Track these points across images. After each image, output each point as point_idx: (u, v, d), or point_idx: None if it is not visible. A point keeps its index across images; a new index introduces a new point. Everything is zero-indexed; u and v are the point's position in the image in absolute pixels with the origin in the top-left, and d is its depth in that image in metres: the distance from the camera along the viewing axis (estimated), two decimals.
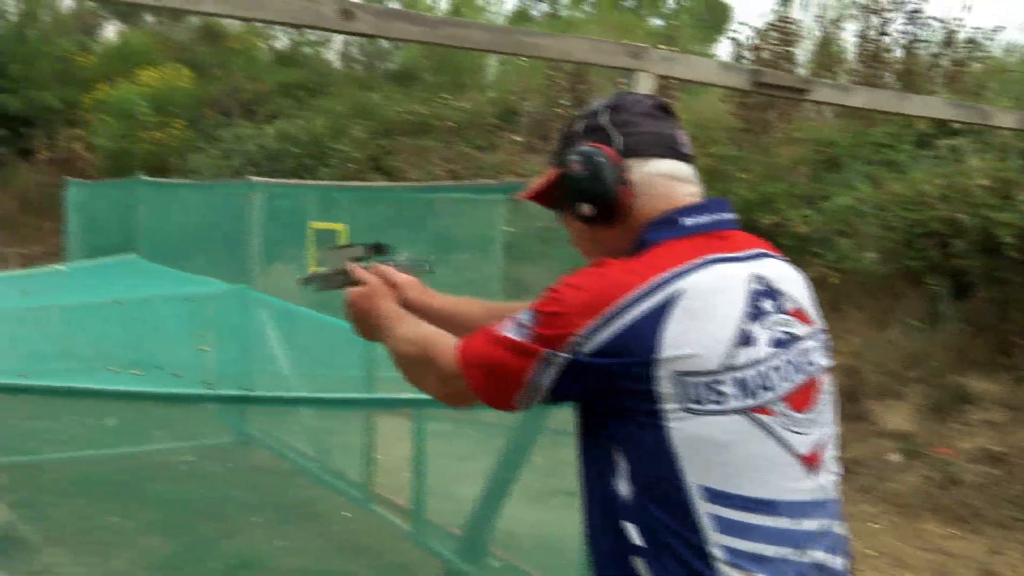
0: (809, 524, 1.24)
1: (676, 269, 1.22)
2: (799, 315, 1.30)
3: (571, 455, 1.38)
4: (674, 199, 1.33)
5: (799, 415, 1.25)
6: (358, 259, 1.67)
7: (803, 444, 1.25)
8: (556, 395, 1.26)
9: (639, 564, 1.22)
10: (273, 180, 6.51)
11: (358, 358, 4.29)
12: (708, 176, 5.45)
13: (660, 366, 1.18)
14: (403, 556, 4.29)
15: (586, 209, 1.33)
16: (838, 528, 1.31)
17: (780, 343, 1.25)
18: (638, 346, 1.18)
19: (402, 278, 1.63)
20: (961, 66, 8.09)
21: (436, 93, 13.72)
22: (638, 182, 1.33)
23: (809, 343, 1.29)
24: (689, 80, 3.19)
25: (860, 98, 3.61)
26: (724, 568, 1.19)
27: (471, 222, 8.94)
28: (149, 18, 21.27)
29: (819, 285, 6.24)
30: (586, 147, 1.34)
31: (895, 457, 5.38)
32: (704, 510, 1.19)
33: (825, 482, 1.29)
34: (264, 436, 5.44)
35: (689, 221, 1.30)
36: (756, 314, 1.24)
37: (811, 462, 1.26)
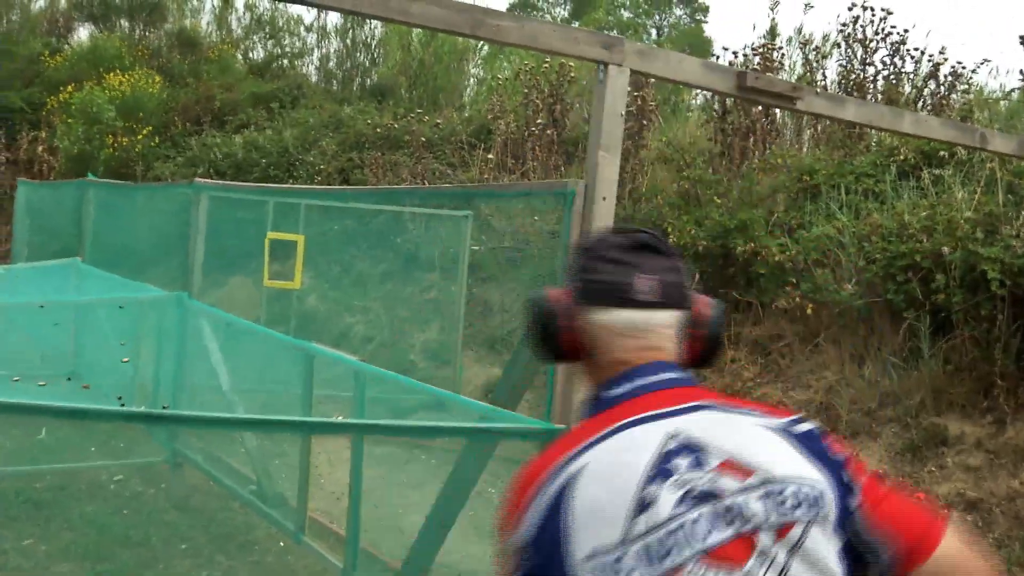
0: None
1: (584, 443, 1.18)
2: (730, 467, 1.16)
3: None
4: (613, 354, 1.29)
5: (726, 570, 1.11)
6: None
7: None
8: None
9: None
10: (222, 183, 6.16)
11: (298, 375, 3.96)
12: (683, 199, 5.18)
13: (573, 556, 1.11)
14: None
15: (540, 354, 1.39)
16: None
17: (693, 498, 1.14)
18: (551, 537, 1.13)
19: None
20: (945, 99, 7.93)
21: (411, 109, 13.51)
22: (587, 330, 1.31)
23: (743, 497, 1.14)
24: (668, 79, 2.92)
25: (851, 111, 3.35)
26: None
27: (438, 239, 8.66)
28: (124, 22, 20.92)
29: (794, 317, 5.99)
30: (540, 293, 1.38)
31: None
32: None
33: None
34: (198, 456, 5.06)
35: (611, 393, 1.27)
36: (662, 474, 1.15)
37: None
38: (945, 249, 5.20)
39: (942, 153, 6.46)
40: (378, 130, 12.46)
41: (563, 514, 1.13)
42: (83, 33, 20.80)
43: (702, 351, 1.37)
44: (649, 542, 1.11)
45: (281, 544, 4.56)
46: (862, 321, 5.74)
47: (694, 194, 7.35)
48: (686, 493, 1.14)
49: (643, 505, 1.12)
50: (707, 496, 1.14)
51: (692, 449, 1.17)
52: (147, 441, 5.21)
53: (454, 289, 7.84)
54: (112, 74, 16.84)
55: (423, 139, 11.67)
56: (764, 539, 1.14)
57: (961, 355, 5.23)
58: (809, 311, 5.93)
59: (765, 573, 1.12)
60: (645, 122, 9.02)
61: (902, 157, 6.59)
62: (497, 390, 3.08)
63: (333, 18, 20.78)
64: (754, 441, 1.20)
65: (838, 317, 5.85)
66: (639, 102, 8.76)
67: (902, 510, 1.25)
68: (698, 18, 31.69)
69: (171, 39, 20.51)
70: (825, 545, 1.16)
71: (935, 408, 5.24)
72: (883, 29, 8.51)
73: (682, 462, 1.16)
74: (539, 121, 10.18)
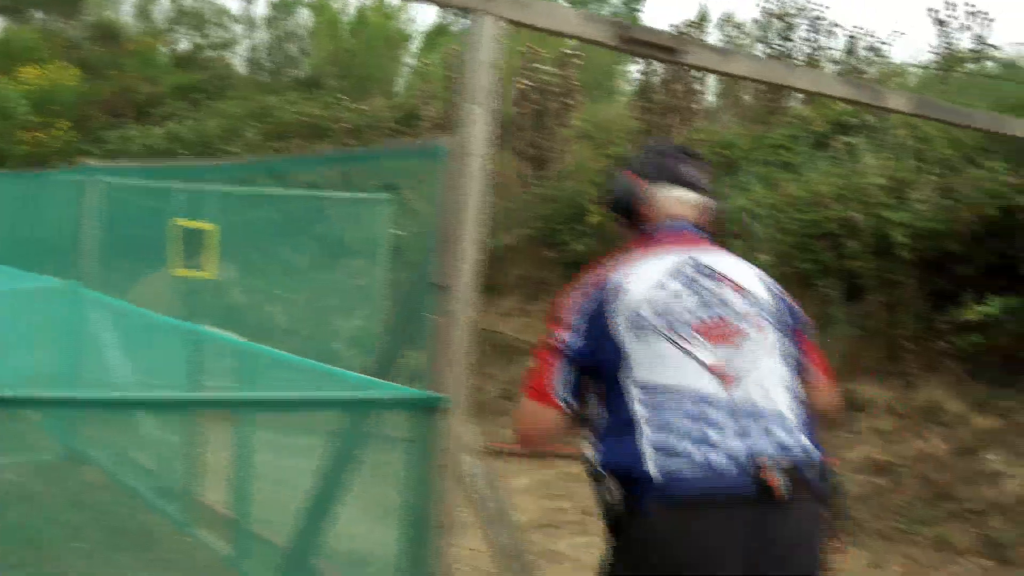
0: (717, 412, 1.70)
1: (642, 256, 1.89)
2: (728, 280, 1.85)
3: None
4: (664, 211, 1.98)
5: (704, 339, 1.77)
6: None
7: (708, 356, 1.75)
8: (574, 365, 1.82)
9: (599, 446, 1.74)
10: (116, 164, 5.91)
11: (186, 357, 3.78)
12: (606, 177, 5.15)
13: (617, 313, 1.78)
14: None
15: (617, 216, 2.08)
16: (784, 431, 1.73)
17: (695, 292, 1.82)
18: (599, 301, 1.81)
19: None
20: (861, 73, 7.99)
21: (338, 98, 13.29)
22: (651, 199, 1.99)
23: (736, 301, 1.83)
24: (544, 29, 2.80)
25: (741, 65, 3.26)
26: (646, 431, 1.68)
27: (358, 226, 8.48)
28: (39, 15, 20.25)
29: None
30: (624, 176, 2.07)
31: None
32: (633, 394, 1.72)
33: (753, 394, 1.74)
34: (96, 452, 4.84)
35: (665, 224, 1.96)
36: (679, 274, 1.83)
37: (716, 371, 1.74)
38: (856, 215, 5.21)
39: (853, 121, 6.48)
40: (303, 119, 12.21)
41: (614, 286, 1.81)
42: None
43: (713, 225, 2.04)
44: (658, 308, 1.78)
45: (180, 537, 4.37)
46: None
47: (614, 172, 7.29)
48: (692, 289, 1.82)
49: (660, 286, 1.82)
50: (708, 295, 1.82)
51: (698, 267, 1.85)
52: (34, 437, 4.98)
53: (377, 275, 7.66)
54: (26, 67, 16.28)
55: (348, 126, 11.47)
56: (746, 329, 1.80)
57: (871, 321, 5.24)
58: None
59: (749, 349, 1.78)
60: (570, 101, 8.94)
61: (816, 127, 6.60)
62: (376, 361, 2.96)
63: (261, 9, 20.39)
64: (742, 272, 1.91)
65: None
66: (562, 80, 8.70)
67: (817, 352, 2.03)
68: (633, 7, 31.76)
69: (90, 31, 19.90)
70: (781, 341, 1.84)
71: (847, 374, 5.23)
72: (803, 5, 8.59)
73: (691, 271, 1.84)
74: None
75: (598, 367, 1.78)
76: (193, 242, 7.18)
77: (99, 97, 16.68)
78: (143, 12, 20.93)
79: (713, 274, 1.85)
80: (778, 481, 1.64)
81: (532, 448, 1.99)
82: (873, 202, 5.22)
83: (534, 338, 7.21)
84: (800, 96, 7.67)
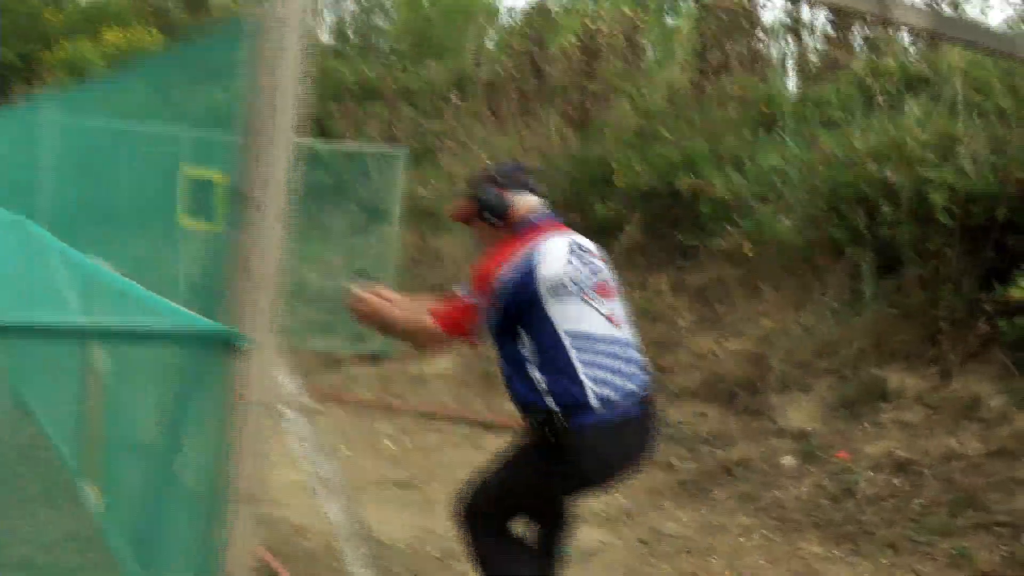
0: (618, 348, 2.50)
1: (536, 240, 2.53)
2: (593, 255, 2.63)
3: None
4: (525, 210, 2.64)
5: (602, 298, 2.54)
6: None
7: (606, 309, 2.54)
8: (492, 319, 2.49)
9: (539, 380, 2.47)
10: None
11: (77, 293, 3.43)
12: (639, 137, 5.00)
13: (540, 284, 2.45)
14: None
15: (491, 219, 2.65)
16: (643, 360, 2.60)
17: (586, 264, 2.56)
18: (527, 279, 2.45)
19: (388, 293, 2.66)
20: None
21: (399, 60, 13.00)
22: (512, 204, 2.64)
23: (601, 269, 2.62)
24: None
25: None
26: (580, 368, 2.43)
27: (371, 180, 8.11)
28: None
29: (735, 259, 5.30)
30: (488, 188, 2.67)
31: (788, 461, 4.43)
32: (567, 342, 2.45)
33: (624, 331, 2.57)
34: (29, 399, 4.57)
35: (533, 218, 2.63)
36: (574, 255, 2.55)
37: (611, 319, 2.54)
38: (890, 174, 4.49)
39: (915, 78, 5.69)
40: (358, 81, 11.94)
41: (537, 262, 2.45)
42: None
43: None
44: (574, 277, 2.48)
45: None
46: (805, 262, 5.04)
47: (651, 131, 6.68)
48: (583, 262, 2.54)
49: (570, 263, 2.50)
50: (590, 265, 2.56)
51: (580, 246, 2.60)
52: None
53: (388, 232, 7.27)
54: (109, 30, 16.54)
55: (397, 89, 11.14)
56: (611, 286, 2.61)
57: (907, 298, 4.53)
58: (748, 252, 5.25)
59: (616, 299, 2.59)
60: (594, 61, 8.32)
61: (870, 85, 5.82)
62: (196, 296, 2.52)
63: None
64: (594, 246, 2.67)
65: (779, 257, 5.16)
66: (591, 37, 8.12)
67: None
68: None
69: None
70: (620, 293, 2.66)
71: (876, 359, 4.55)
72: None
73: (577, 250, 2.57)
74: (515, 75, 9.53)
75: (519, 321, 2.48)
76: (200, 192, 6.92)
77: None
78: None
79: (585, 250, 2.62)
80: (654, 400, 2.61)
81: (428, 351, 3.26)
82: (914, 160, 4.49)
83: None
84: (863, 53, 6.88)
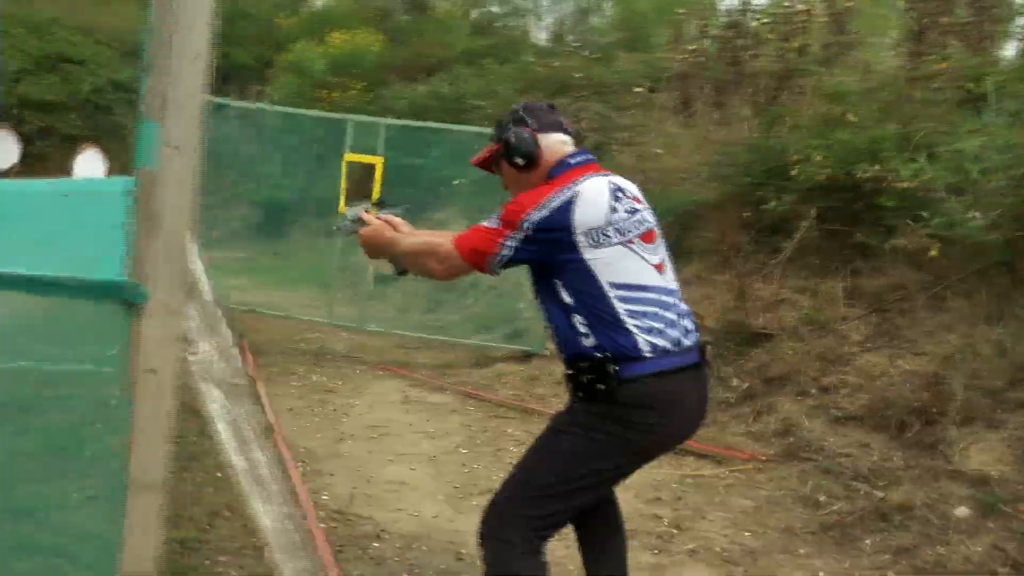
0: (667, 297, 2.32)
1: (573, 181, 2.32)
2: (636, 200, 2.40)
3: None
4: (561, 153, 2.45)
5: (647, 245, 2.33)
6: (367, 210, 2.71)
7: (653, 258, 2.34)
8: (515, 258, 2.32)
9: (585, 333, 2.26)
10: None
11: None
12: (824, 122, 4.74)
13: (575, 230, 2.24)
14: None
15: (521, 162, 2.43)
16: (684, 304, 2.41)
17: (629, 211, 2.33)
18: (560, 222, 2.24)
19: (397, 220, 2.59)
20: None
21: (602, 55, 12.65)
22: (544, 146, 2.44)
23: (644, 213, 2.38)
24: None
25: None
26: (627, 319, 2.24)
27: None
28: None
29: (919, 261, 4.44)
30: (517, 129, 2.44)
31: (962, 511, 3.57)
32: (612, 294, 2.24)
33: (670, 280, 2.39)
34: None
35: (572, 160, 2.42)
36: (616, 199, 2.33)
37: (659, 268, 2.35)
38: None
39: None
40: (553, 74, 11.68)
41: (574, 206, 2.26)
42: None
43: None
44: (618, 226, 2.29)
45: None
46: (1002, 266, 4.11)
47: (836, 116, 5.85)
48: (626, 208, 2.33)
49: (612, 209, 2.30)
50: (634, 211, 2.36)
51: (622, 190, 2.38)
52: None
53: None
54: (335, 33, 17.35)
55: (589, 83, 10.77)
56: (656, 233, 2.41)
57: None
58: (935, 254, 4.37)
59: (661, 247, 2.40)
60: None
61: None
62: None
63: None
64: (637, 190, 2.46)
65: (971, 261, 4.25)
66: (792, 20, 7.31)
67: None
68: None
69: (402, 1, 20.93)
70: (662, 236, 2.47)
71: None
72: None
73: (620, 194, 2.35)
74: (700, 57, 8.85)
75: (553, 269, 2.30)
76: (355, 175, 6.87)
77: (395, 62, 17.40)
78: None
79: (628, 193, 2.39)
80: (708, 351, 2.41)
81: (442, 280, 2.52)
82: None
83: (712, 313, 6.02)
84: None
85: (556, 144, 2.45)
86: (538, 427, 5.61)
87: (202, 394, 1.77)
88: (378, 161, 6.83)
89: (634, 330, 2.22)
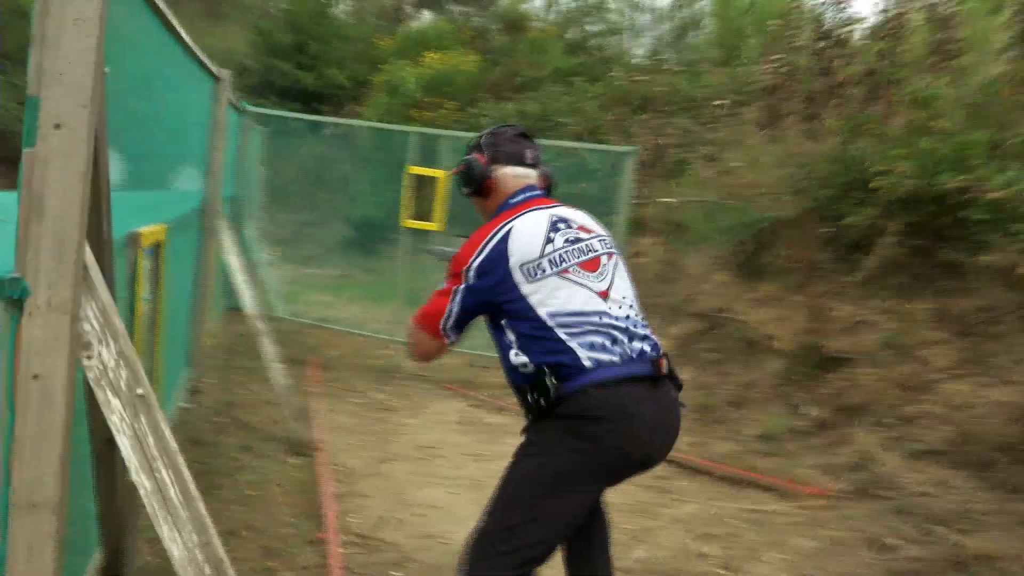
0: (611, 320, 2.28)
1: (509, 219, 2.36)
2: (583, 229, 2.41)
3: None
4: (514, 186, 2.51)
5: (588, 273, 2.33)
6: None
7: (597, 285, 2.32)
8: (463, 313, 2.34)
9: (527, 361, 2.25)
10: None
11: None
12: (908, 130, 3.78)
13: (511, 266, 2.27)
14: None
15: (466, 190, 2.57)
16: (647, 331, 2.36)
17: (569, 241, 2.35)
18: (496, 261, 2.28)
19: None
20: None
21: (695, 68, 12.30)
22: (498, 177, 2.52)
23: (591, 242, 2.39)
24: None
25: None
26: (568, 341, 2.21)
27: (599, 176, 7.43)
28: (457, 8, 21.83)
29: (1007, 281, 3.97)
30: (471, 156, 2.55)
31: None
32: (551, 323, 2.23)
33: (622, 307, 2.34)
34: None
35: (512, 200, 2.48)
36: (554, 229, 2.36)
37: (603, 295, 2.32)
38: None
39: None
40: (638, 89, 11.39)
41: (507, 244, 2.29)
42: (425, 16, 21.99)
43: (548, 187, 2.61)
44: (551, 257, 2.30)
45: None
46: None
47: (921, 124, 5.39)
48: (566, 239, 2.34)
49: (549, 240, 2.32)
50: (576, 240, 2.36)
51: (564, 220, 2.40)
52: None
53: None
54: (429, 53, 17.48)
55: (675, 98, 10.43)
56: (603, 260, 2.39)
57: None
58: None
59: (609, 273, 2.37)
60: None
61: None
62: None
63: None
64: (582, 217, 2.47)
65: None
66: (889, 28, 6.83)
67: None
68: None
69: (498, 21, 21.02)
70: (619, 260, 2.46)
71: None
72: None
73: (561, 225, 2.37)
74: (779, 66, 8.41)
75: (499, 308, 2.31)
76: (422, 187, 6.74)
77: (488, 80, 17.40)
78: (549, 3, 21.62)
79: (570, 223, 2.41)
80: (663, 364, 2.30)
81: (421, 362, 2.54)
82: None
83: (785, 335, 5.60)
84: None
85: (509, 178, 2.52)
86: None
87: (101, 405, 1.58)
88: (441, 175, 6.68)
89: (576, 348, 2.20)
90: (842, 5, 8.71)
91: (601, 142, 10.67)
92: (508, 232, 2.30)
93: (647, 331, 2.35)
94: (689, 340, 6.43)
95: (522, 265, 2.26)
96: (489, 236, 2.31)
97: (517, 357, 2.25)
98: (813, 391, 4.99)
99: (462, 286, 2.30)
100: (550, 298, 2.24)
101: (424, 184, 6.75)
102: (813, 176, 6.03)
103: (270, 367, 4.89)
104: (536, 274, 2.26)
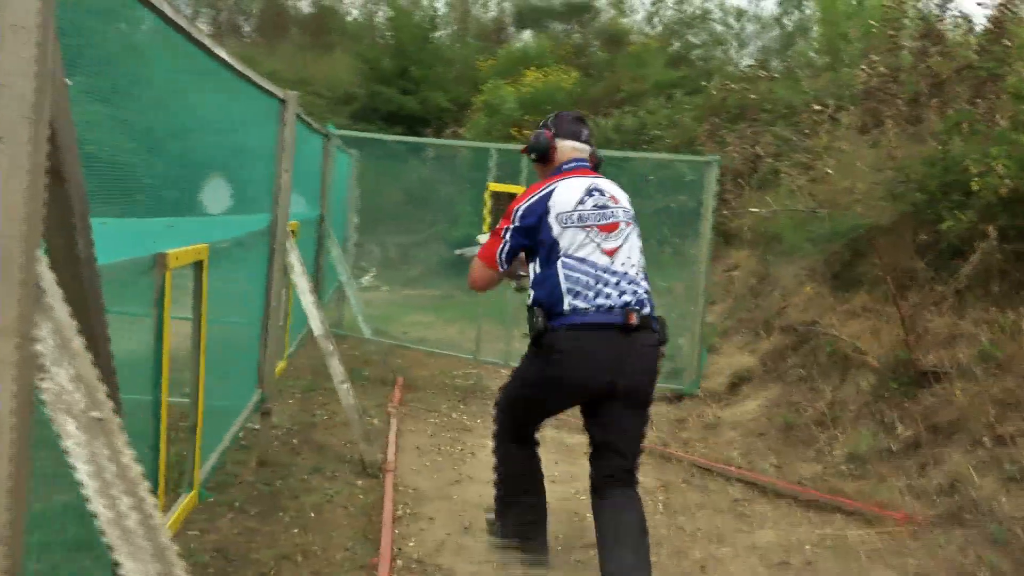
0: (605, 275, 3.03)
1: (557, 180, 3.16)
2: (614, 199, 3.16)
3: None
4: (568, 156, 3.31)
5: (605, 233, 3.07)
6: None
7: (607, 244, 3.06)
8: (513, 246, 3.17)
9: (538, 295, 3.08)
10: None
11: None
12: (1012, 127, 3.80)
13: (549, 212, 3.07)
14: None
15: (533, 156, 3.37)
16: (638, 289, 3.08)
17: (598, 206, 3.10)
18: (539, 207, 3.10)
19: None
20: None
21: (792, 75, 11.87)
22: (558, 148, 3.32)
23: (615, 210, 3.13)
24: None
25: None
26: (563, 283, 3.02)
27: (678, 188, 7.17)
28: (557, 25, 21.84)
29: None
30: (539, 131, 3.37)
31: None
32: (562, 261, 3.03)
33: (624, 265, 3.08)
34: None
35: (565, 166, 3.27)
36: (589, 194, 3.11)
37: (609, 252, 3.05)
38: None
39: None
40: (725, 96, 11.07)
41: (551, 198, 3.09)
42: (526, 36, 22.08)
43: (596, 164, 3.37)
44: (581, 212, 3.07)
45: None
46: None
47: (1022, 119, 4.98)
48: (595, 203, 3.10)
49: (582, 202, 3.09)
50: (604, 206, 3.11)
51: (599, 189, 3.15)
52: None
53: (693, 248, 6.36)
54: (529, 71, 17.53)
55: (771, 106, 10.06)
56: (621, 226, 3.12)
57: None
58: None
59: (622, 237, 3.11)
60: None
61: None
62: None
63: (770, 5, 19.80)
64: (615, 190, 3.21)
65: None
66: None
67: None
68: None
69: (598, 37, 20.92)
70: (635, 231, 3.21)
71: None
72: None
73: (595, 192, 3.12)
74: (878, 68, 7.98)
75: (535, 246, 3.11)
76: (500, 204, 6.67)
77: (588, 96, 17.30)
78: (651, 16, 21.38)
79: (603, 192, 3.15)
80: (634, 318, 2.99)
81: (479, 290, 3.39)
82: None
83: (877, 349, 5.25)
84: None
85: (567, 149, 3.35)
86: (675, 474, 5.15)
87: (58, 429, 1.56)
88: (521, 191, 6.63)
89: (564, 293, 3.00)
90: (946, 4, 8.22)
91: (696, 153, 10.41)
92: (553, 190, 3.12)
93: (638, 287, 3.07)
94: (777, 355, 6.14)
95: (558, 215, 3.07)
96: (538, 190, 3.16)
97: (534, 287, 3.10)
98: (905, 409, 4.64)
99: (511, 225, 3.15)
100: (570, 242, 3.03)
101: (503, 201, 6.70)
102: (911, 180, 5.66)
103: (339, 388, 4.89)
104: (566, 222, 3.06)
